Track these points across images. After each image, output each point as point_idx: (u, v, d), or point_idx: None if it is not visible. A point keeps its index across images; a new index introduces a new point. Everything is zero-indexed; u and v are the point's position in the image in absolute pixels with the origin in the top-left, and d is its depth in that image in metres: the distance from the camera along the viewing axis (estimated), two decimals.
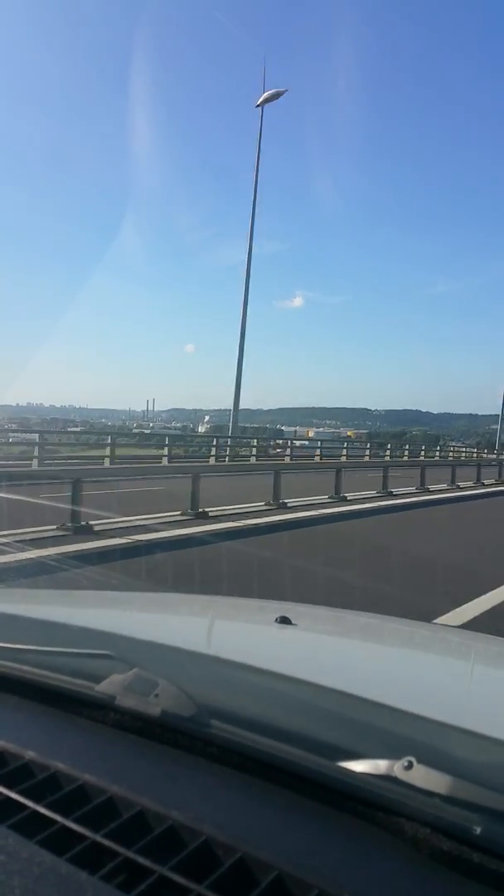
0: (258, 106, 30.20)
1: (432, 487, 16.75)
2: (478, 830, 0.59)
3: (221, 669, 0.98)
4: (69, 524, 7.63)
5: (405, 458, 24.68)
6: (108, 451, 17.54)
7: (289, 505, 11.58)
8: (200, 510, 9.71)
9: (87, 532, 7.60)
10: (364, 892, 0.56)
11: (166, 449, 20.26)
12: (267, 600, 2.11)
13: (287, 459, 18.43)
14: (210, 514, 9.75)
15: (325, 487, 13.37)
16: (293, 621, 1.36)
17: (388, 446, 30.81)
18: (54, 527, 7.58)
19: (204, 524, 9.02)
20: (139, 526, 8.25)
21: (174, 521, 9.00)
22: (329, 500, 12.85)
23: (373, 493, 14.49)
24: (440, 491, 16.65)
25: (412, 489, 16.19)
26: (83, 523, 7.73)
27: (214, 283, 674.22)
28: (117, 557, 6.44)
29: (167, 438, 22.88)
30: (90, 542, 7.08)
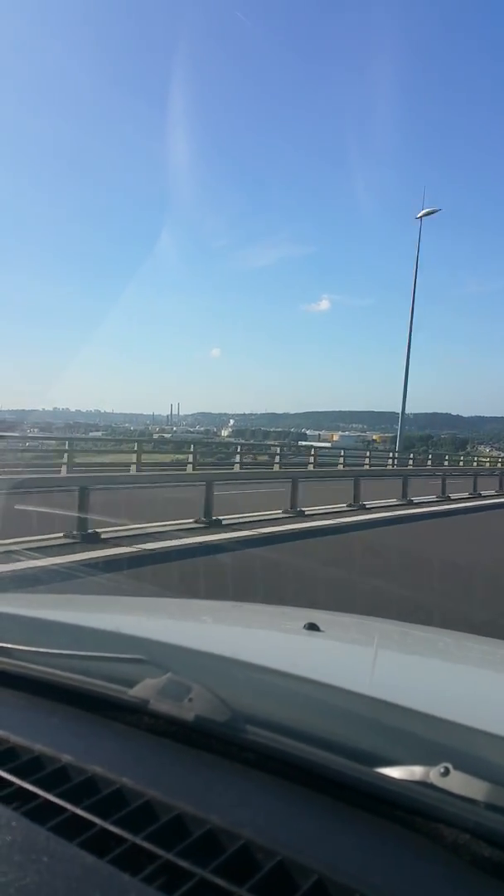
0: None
1: (453, 496, 16.45)
2: None
3: (254, 675, 0.99)
4: (76, 532, 7.55)
5: (410, 466, 23.51)
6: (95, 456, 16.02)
7: (307, 513, 11.42)
8: (214, 518, 9.58)
9: (94, 540, 7.51)
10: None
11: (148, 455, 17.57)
12: (292, 607, 2.09)
13: (276, 468, 18.03)
14: (224, 522, 9.62)
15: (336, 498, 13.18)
16: (321, 628, 1.36)
17: (391, 455, 28.70)
18: (60, 534, 7.50)
19: (217, 533, 8.89)
20: (150, 534, 8.17)
21: (186, 529, 8.88)
22: (348, 509, 12.65)
23: (392, 500, 14.27)
24: (462, 500, 16.33)
25: (433, 497, 15.92)
26: (90, 531, 7.64)
27: (240, 287, 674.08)
28: (124, 567, 6.35)
29: (136, 444, 19.63)
30: (96, 551, 6.99)
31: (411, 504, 14.34)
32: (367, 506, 13.10)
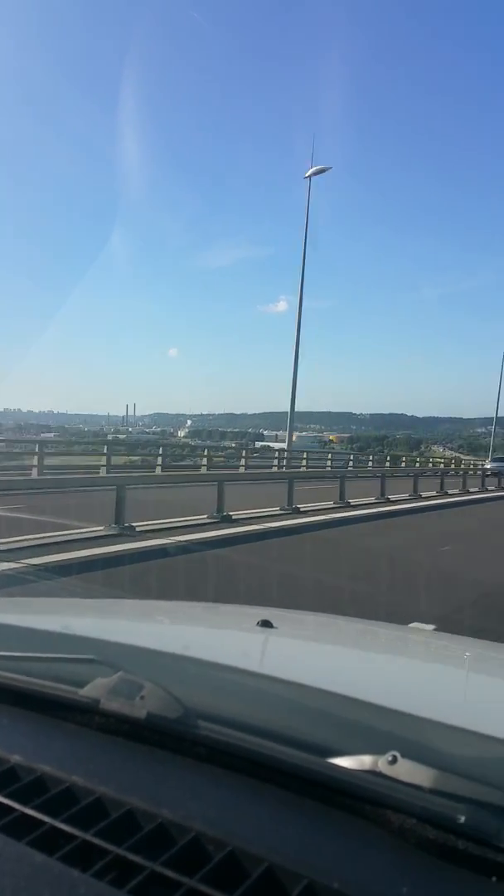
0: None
1: (393, 497, 16.14)
2: (462, 819, 0.61)
3: (207, 671, 1.00)
4: None
5: (303, 469, 22.15)
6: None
7: (234, 518, 10.88)
8: (126, 525, 8.94)
9: None
10: (353, 881, 0.58)
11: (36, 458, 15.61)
12: (247, 606, 2.09)
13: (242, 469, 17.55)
14: (138, 528, 8.98)
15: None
16: (274, 625, 1.38)
17: (279, 457, 26.70)
18: None
19: (126, 542, 8.23)
20: (52, 544, 7.51)
21: (95, 538, 8.24)
22: (281, 512, 12.17)
23: (329, 503, 13.85)
24: (401, 501, 16.04)
25: (372, 499, 15.59)
26: None
27: (198, 288, 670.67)
28: (16, 583, 5.69)
29: (106, 447, 18.77)
30: None
31: (349, 506, 13.97)
32: (302, 509, 12.68)
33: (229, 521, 10.59)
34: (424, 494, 17.64)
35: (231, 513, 11.00)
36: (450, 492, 19.24)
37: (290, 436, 28.43)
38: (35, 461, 15.23)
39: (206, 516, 10.65)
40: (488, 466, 33.22)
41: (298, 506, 12.73)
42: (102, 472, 15.11)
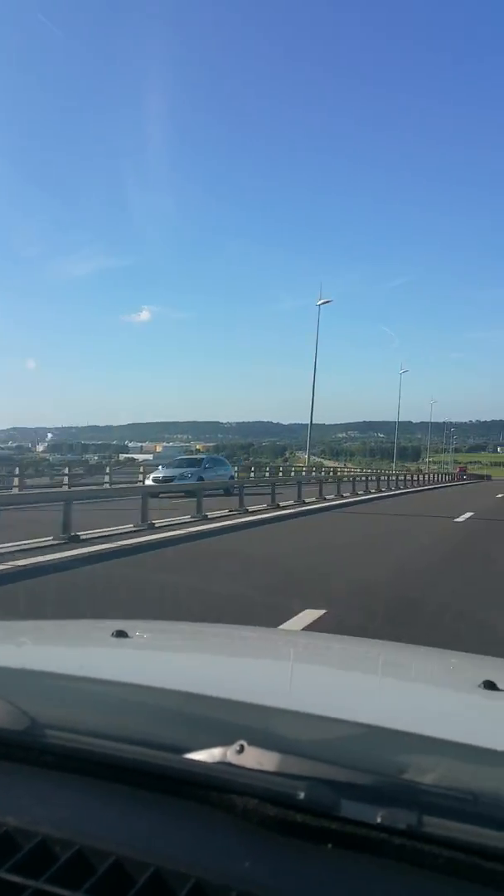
0: None
1: (251, 508, 16.17)
2: (301, 796, 0.64)
3: (56, 683, 1.01)
4: None
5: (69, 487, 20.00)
6: None
7: (83, 538, 10.33)
8: None
9: None
10: (199, 862, 0.61)
11: None
12: (102, 620, 2.08)
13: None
14: None
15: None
16: (129, 635, 1.41)
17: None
18: None
19: None
20: None
21: None
22: (135, 529, 11.76)
23: (187, 517, 13.62)
24: (259, 511, 16.09)
25: (230, 511, 15.54)
26: None
27: (56, 297, 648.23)
28: None
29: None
30: None
31: (206, 519, 13.79)
32: (158, 525, 12.38)
33: (77, 542, 10.02)
34: (282, 504, 17.80)
35: (80, 532, 10.46)
36: (306, 500, 19.58)
37: None
38: None
39: (51, 538, 10.03)
40: (151, 481, 21.18)
41: (154, 521, 12.39)
42: None
